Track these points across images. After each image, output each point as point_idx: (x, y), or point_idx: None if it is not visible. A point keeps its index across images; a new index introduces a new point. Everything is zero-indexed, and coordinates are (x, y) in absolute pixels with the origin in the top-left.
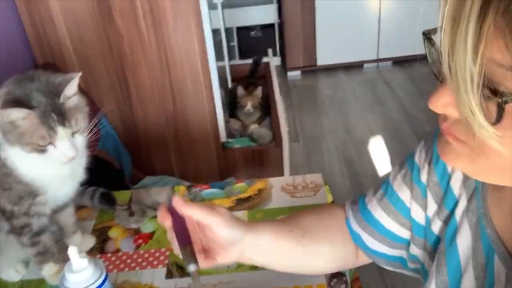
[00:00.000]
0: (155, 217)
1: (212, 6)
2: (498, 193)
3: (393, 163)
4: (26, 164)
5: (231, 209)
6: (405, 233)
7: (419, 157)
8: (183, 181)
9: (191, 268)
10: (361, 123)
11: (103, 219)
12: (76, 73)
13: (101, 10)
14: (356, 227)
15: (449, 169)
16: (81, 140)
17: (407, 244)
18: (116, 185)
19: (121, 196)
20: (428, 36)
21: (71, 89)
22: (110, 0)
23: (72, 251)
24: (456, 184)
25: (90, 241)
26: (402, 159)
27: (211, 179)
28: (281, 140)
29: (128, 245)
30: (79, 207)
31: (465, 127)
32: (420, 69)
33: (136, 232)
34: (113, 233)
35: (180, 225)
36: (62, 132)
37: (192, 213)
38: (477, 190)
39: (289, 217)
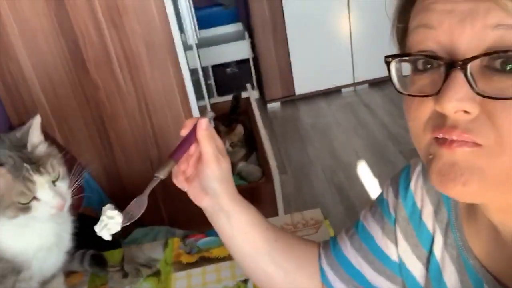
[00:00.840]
0: (150, 275)
1: (187, 48)
2: (473, 222)
3: (382, 183)
4: (7, 237)
5: (229, 257)
6: (371, 275)
7: (387, 192)
8: (175, 229)
9: (156, 174)
10: (347, 148)
11: (96, 284)
12: (34, 118)
13: (75, 63)
14: (324, 264)
15: (419, 204)
16: (64, 187)
17: None
18: (106, 242)
19: (112, 256)
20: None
21: (35, 135)
22: (84, 52)
23: None
24: (428, 219)
25: None
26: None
27: (203, 225)
28: (271, 175)
29: None
30: (68, 273)
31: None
32: None
33: None
34: None
35: (187, 141)
36: (40, 180)
37: (202, 145)
38: (451, 223)
39: (274, 225)
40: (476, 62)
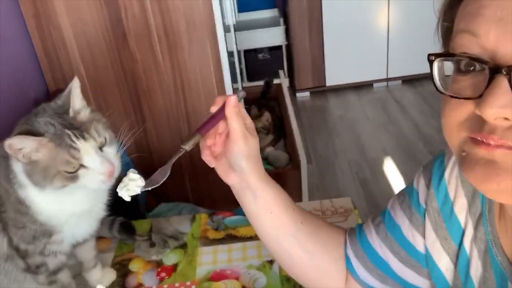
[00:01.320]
0: (177, 247)
1: (225, 29)
2: (503, 220)
3: (408, 182)
4: (44, 201)
5: (256, 237)
6: (396, 264)
7: (417, 182)
8: (199, 207)
9: (182, 146)
10: (374, 143)
11: (123, 251)
12: (72, 82)
13: (115, 34)
14: (349, 251)
15: (452, 195)
16: (112, 152)
17: (399, 282)
18: (130, 212)
19: (140, 225)
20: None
21: (77, 100)
22: (125, 24)
23: None
24: (461, 211)
25: (111, 276)
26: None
27: (227, 205)
28: (299, 162)
29: (151, 279)
30: (96, 238)
31: None
32: (431, 87)
33: (158, 264)
34: (134, 266)
35: (216, 117)
36: (85, 146)
37: (230, 122)
38: (483, 217)
39: (300, 207)
40: None
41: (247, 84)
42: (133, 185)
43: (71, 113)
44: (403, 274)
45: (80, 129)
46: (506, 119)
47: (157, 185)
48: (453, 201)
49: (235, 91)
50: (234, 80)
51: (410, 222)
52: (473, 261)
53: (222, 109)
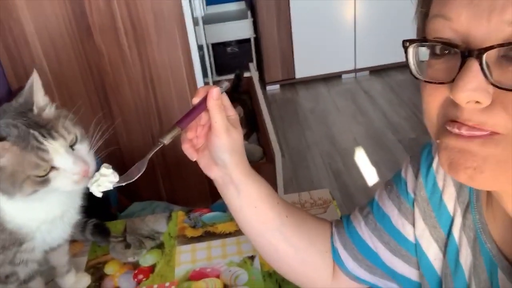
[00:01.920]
0: (154, 248)
1: (194, 22)
2: (490, 208)
3: (380, 172)
4: (12, 209)
5: (236, 233)
6: (386, 255)
7: (405, 171)
8: (173, 205)
9: (160, 139)
10: (345, 134)
11: (97, 254)
12: (32, 76)
13: (79, 28)
14: (337, 243)
15: (440, 184)
16: (84, 149)
17: (387, 272)
18: (102, 213)
19: (114, 226)
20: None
21: (40, 95)
22: (89, 17)
23: None
24: (450, 200)
25: (85, 280)
26: (394, 173)
27: (201, 202)
28: (273, 156)
29: (128, 281)
30: (69, 242)
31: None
32: (398, 77)
33: (135, 266)
34: (109, 269)
35: (197, 109)
36: (54, 146)
37: (212, 115)
38: (471, 205)
39: (285, 200)
40: (492, 52)
41: (216, 78)
42: (105, 181)
43: (35, 111)
44: (392, 264)
45: (47, 128)
46: (478, 102)
47: (132, 181)
48: (442, 190)
49: (217, 82)
50: (204, 74)
51: (399, 212)
52: (463, 249)
53: (204, 100)
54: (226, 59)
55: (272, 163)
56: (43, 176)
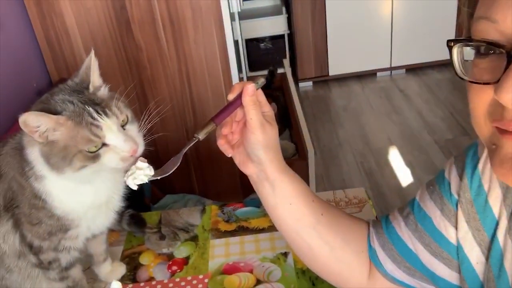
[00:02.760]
0: (188, 240)
1: (231, 17)
2: None
3: (414, 173)
4: (62, 193)
5: (270, 229)
6: (426, 257)
7: (449, 172)
8: (204, 199)
9: (195, 135)
10: (379, 133)
11: (133, 244)
12: (89, 56)
13: (119, 22)
14: (375, 244)
15: (486, 186)
16: (134, 130)
17: (426, 275)
18: (136, 205)
19: (150, 218)
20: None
21: (96, 75)
22: (129, 11)
23: None
24: (495, 203)
25: (121, 269)
26: (429, 174)
27: (233, 196)
28: (306, 152)
29: (162, 272)
30: None
31: None
32: (435, 76)
33: (169, 257)
34: (144, 259)
35: (232, 105)
36: (108, 123)
37: (247, 111)
38: None
39: (320, 198)
40: None
41: (249, 74)
42: (141, 174)
43: (91, 89)
44: (432, 267)
45: (102, 105)
46: None
47: (167, 175)
48: (488, 192)
49: (252, 78)
50: (239, 69)
51: (442, 213)
52: (508, 253)
53: (240, 97)
54: (260, 55)
55: (304, 159)
56: (94, 152)
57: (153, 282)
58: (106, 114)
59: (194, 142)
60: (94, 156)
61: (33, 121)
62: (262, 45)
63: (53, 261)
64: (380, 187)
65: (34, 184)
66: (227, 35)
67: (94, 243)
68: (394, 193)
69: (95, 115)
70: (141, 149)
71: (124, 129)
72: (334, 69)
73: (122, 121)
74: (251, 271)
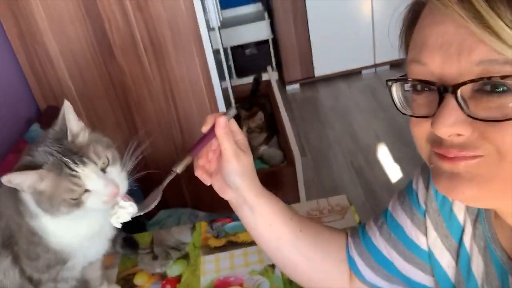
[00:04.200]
0: (180, 258)
1: (209, 29)
2: (498, 218)
3: (403, 168)
4: (57, 230)
5: None
6: (401, 264)
7: (416, 182)
8: (198, 211)
9: (173, 169)
10: (367, 131)
11: (127, 266)
12: (63, 105)
13: (101, 48)
14: (353, 253)
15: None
16: (115, 171)
17: (403, 280)
18: (131, 223)
19: (142, 238)
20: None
21: (73, 122)
22: (110, 36)
23: None
24: (460, 211)
25: None
26: (412, 169)
27: (225, 208)
28: (293, 159)
29: None
30: None
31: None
32: None
33: (163, 277)
34: (139, 280)
35: (206, 137)
36: (86, 171)
37: (221, 142)
38: (481, 215)
39: (298, 214)
40: (466, 87)
41: (237, 80)
42: (124, 213)
43: (69, 138)
44: (407, 272)
45: (79, 154)
46: (460, 134)
47: (148, 210)
48: (452, 202)
49: (227, 108)
50: (222, 77)
51: (412, 222)
52: (474, 257)
53: (213, 128)
54: (246, 61)
55: (293, 166)
56: (76, 199)
57: None
58: (83, 163)
59: (172, 176)
60: (77, 203)
61: (16, 180)
62: (247, 51)
63: None
64: (370, 184)
65: (30, 222)
66: (205, 47)
67: (90, 269)
68: (384, 189)
69: (72, 165)
70: (123, 189)
71: (105, 172)
72: (319, 70)
73: (103, 163)
74: (241, 285)
